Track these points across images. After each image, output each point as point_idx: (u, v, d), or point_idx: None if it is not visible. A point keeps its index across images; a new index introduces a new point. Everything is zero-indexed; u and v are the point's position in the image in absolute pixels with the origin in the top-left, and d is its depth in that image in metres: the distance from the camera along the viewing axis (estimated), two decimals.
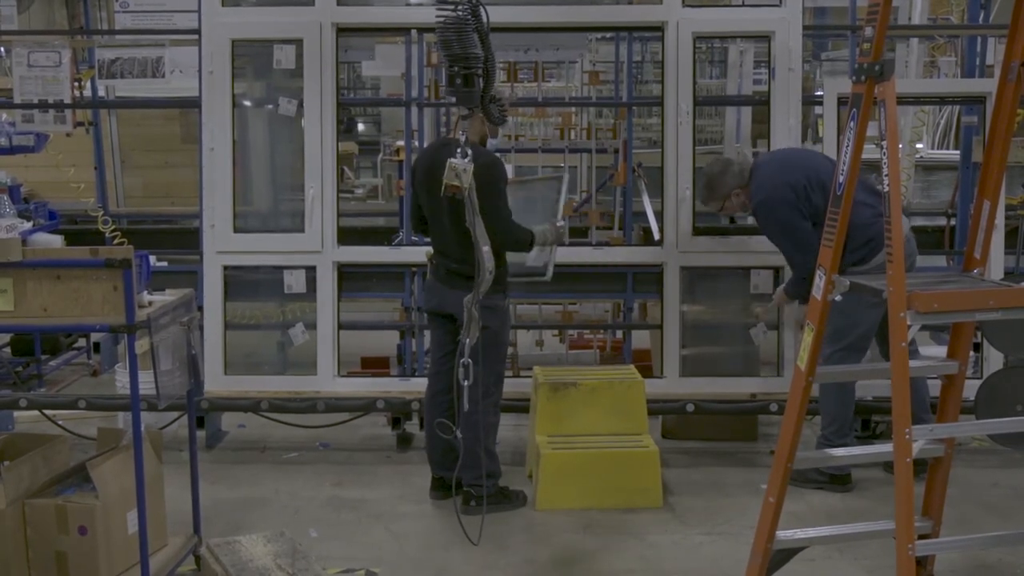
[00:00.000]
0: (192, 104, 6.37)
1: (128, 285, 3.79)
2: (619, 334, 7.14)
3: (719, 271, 5.96)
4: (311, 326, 5.97)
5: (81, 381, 7.41)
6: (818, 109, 8.22)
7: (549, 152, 7.70)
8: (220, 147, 5.89)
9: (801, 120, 6.00)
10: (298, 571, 4.13)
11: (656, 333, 6.19)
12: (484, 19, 4.34)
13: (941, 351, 4.57)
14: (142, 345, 3.87)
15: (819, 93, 7.43)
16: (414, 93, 6.26)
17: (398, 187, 7.22)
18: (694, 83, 5.87)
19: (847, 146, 3.54)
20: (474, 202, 4.46)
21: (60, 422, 6.08)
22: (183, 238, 7.65)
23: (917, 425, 3.47)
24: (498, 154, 5.76)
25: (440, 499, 5.24)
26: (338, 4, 5.85)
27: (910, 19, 9.39)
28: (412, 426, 6.11)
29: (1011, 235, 6.70)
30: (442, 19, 4.29)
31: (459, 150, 4.43)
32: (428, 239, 5.46)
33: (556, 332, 7.48)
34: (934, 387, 5.15)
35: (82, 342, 7.92)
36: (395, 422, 6.11)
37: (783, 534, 3.76)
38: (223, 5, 5.88)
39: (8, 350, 7.41)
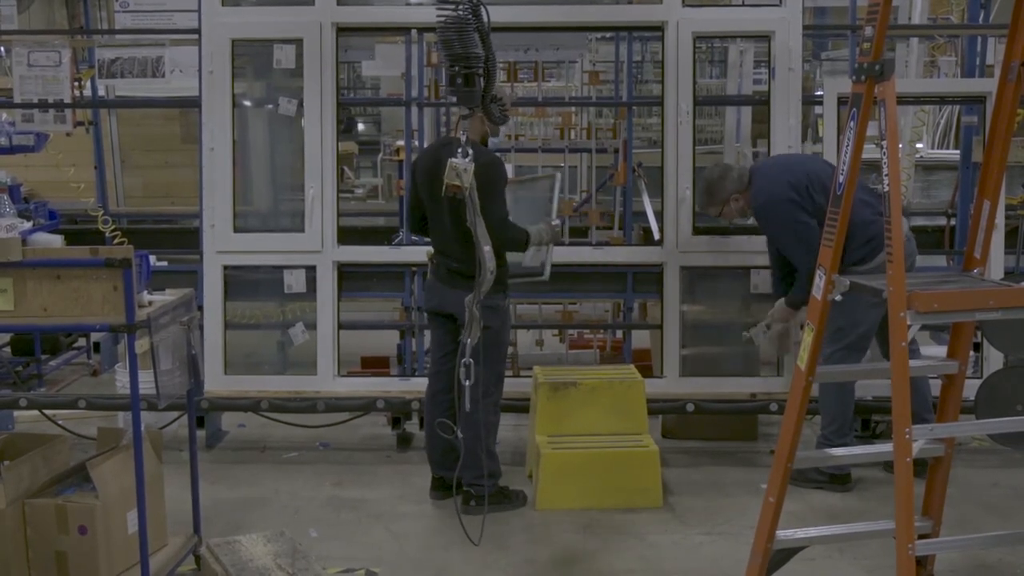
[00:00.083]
0: (192, 104, 6.37)
1: (128, 285, 3.79)
2: (619, 334, 7.14)
3: (719, 271, 5.96)
4: (311, 326, 5.97)
5: (81, 381, 7.41)
6: (818, 109, 8.23)
7: (549, 152, 7.70)
8: (220, 147, 5.89)
9: (801, 120, 6.00)
10: (298, 571, 4.13)
11: (656, 333, 6.20)
12: (485, 19, 4.34)
13: (941, 351, 4.57)
14: (142, 345, 3.87)
15: (819, 93, 7.44)
16: (414, 93, 6.26)
17: (398, 187, 7.22)
18: (694, 83, 5.87)
19: (847, 146, 3.54)
20: (475, 202, 4.45)
21: (60, 422, 6.08)
22: (183, 238, 7.65)
23: (917, 425, 3.46)
24: (498, 154, 5.76)
25: (440, 499, 5.24)
26: (338, 4, 5.85)
27: (910, 19, 9.39)
28: (412, 426, 6.11)
29: (1011, 235, 6.70)
30: (443, 19, 4.29)
31: (460, 150, 4.43)
32: (425, 238, 5.47)
33: (556, 332, 7.48)
34: (935, 387, 5.14)
35: (82, 342, 7.92)
36: (395, 422, 6.11)
37: (783, 534, 3.76)
38: (223, 5, 5.88)
39: (8, 350, 7.41)
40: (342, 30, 5.91)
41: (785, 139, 5.85)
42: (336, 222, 5.93)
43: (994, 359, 5.73)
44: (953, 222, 6.91)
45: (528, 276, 5.40)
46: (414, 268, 6.02)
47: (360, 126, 18.54)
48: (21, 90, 6.28)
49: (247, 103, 6.34)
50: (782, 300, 5.40)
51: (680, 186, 5.85)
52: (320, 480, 5.58)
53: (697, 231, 5.89)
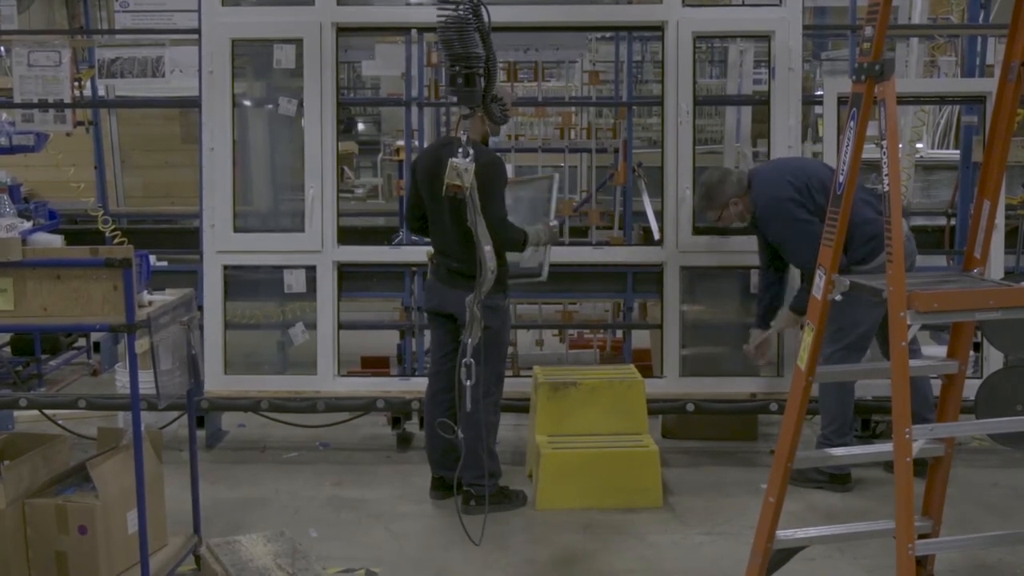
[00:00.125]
0: (192, 104, 6.37)
1: (128, 285, 3.79)
2: (619, 334, 7.14)
3: (719, 271, 5.97)
4: (311, 326, 5.97)
5: (81, 381, 7.41)
6: (818, 109, 8.22)
7: (549, 152, 7.70)
8: (220, 147, 5.89)
9: (801, 120, 6.00)
10: (298, 571, 4.13)
11: (656, 333, 6.19)
12: (485, 18, 4.34)
13: (941, 351, 4.57)
14: (142, 345, 3.87)
15: (819, 93, 7.44)
16: (414, 93, 6.27)
17: (398, 187, 7.22)
18: (694, 83, 5.87)
19: (847, 146, 3.54)
20: (476, 202, 4.45)
21: (60, 422, 6.08)
22: (183, 238, 7.65)
23: (918, 425, 3.46)
24: (498, 154, 5.76)
25: (440, 499, 5.24)
26: (338, 4, 5.85)
27: (910, 19, 9.39)
28: (412, 426, 6.11)
29: (1011, 235, 6.70)
30: (443, 18, 4.29)
31: (461, 149, 4.42)
32: (424, 237, 5.48)
33: (556, 332, 7.48)
34: (935, 387, 5.14)
35: (82, 342, 7.92)
36: (395, 422, 6.11)
37: (783, 534, 3.76)
38: (223, 5, 5.88)
39: (8, 350, 7.41)
40: (342, 30, 5.91)
41: (785, 139, 5.85)
42: (336, 222, 5.93)
43: (994, 359, 5.73)
44: (953, 222, 6.91)
45: (526, 277, 5.40)
46: (414, 268, 6.02)
47: (360, 126, 18.54)
48: (21, 90, 6.28)
49: (247, 103, 6.34)
50: (786, 307, 5.38)
51: (680, 186, 5.85)
52: (320, 480, 5.58)
53: (697, 231, 5.89)
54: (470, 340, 4.49)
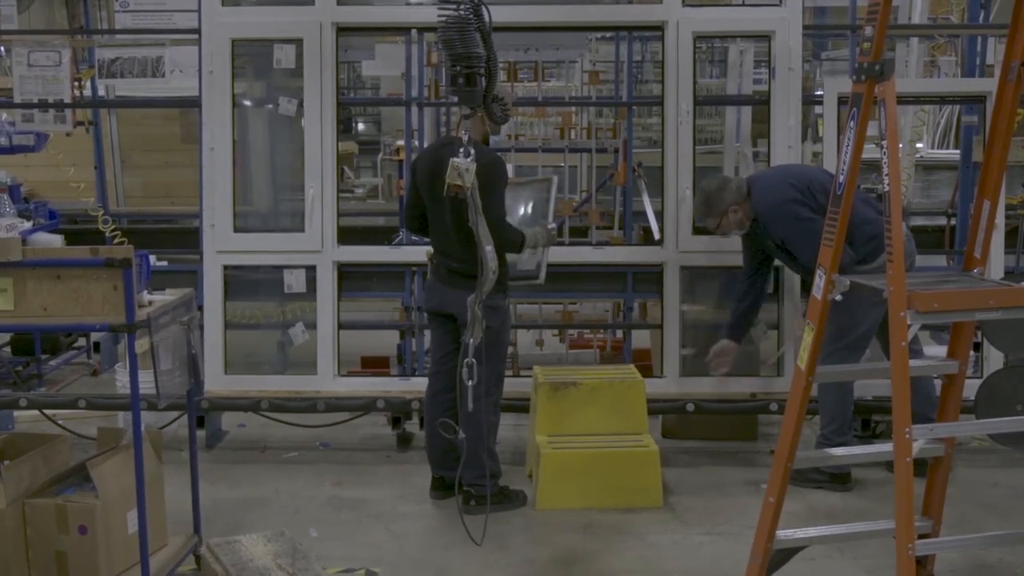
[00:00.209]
0: (192, 104, 6.37)
1: (128, 285, 3.79)
2: (619, 334, 7.14)
3: (719, 271, 5.96)
4: (311, 326, 5.97)
5: (81, 381, 7.41)
6: (818, 109, 8.22)
7: (549, 152, 7.70)
8: (220, 147, 5.89)
9: (801, 120, 6.00)
10: (298, 571, 4.13)
11: (656, 333, 6.19)
12: (486, 18, 4.34)
13: (941, 351, 4.57)
14: (142, 345, 3.87)
15: (819, 93, 7.43)
16: (414, 93, 6.27)
17: (398, 187, 7.22)
18: (694, 83, 5.87)
19: (847, 146, 3.54)
20: (477, 202, 4.45)
21: (60, 422, 6.08)
22: (183, 238, 7.65)
23: (917, 424, 3.47)
24: (498, 154, 5.76)
25: (440, 499, 5.24)
26: (338, 4, 5.85)
27: (910, 19, 9.39)
28: (412, 426, 6.11)
29: (1011, 235, 6.70)
30: (444, 18, 4.29)
31: (462, 149, 4.42)
32: (422, 237, 5.48)
33: (556, 332, 7.48)
34: (936, 387, 5.15)
35: (82, 342, 7.92)
36: (395, 422, 6.11)
37: (783, 534, 3.76)
38: (223, 5, 5.88)
39: (8, 350, 7.41)
40: (342, 30, 5.91)
41: (785, 139, 5.85)
42: (336, 222, 5.93)
43: (994, 359, 5.73)
44: (953, 222, 6.91)
45: (523, 279, 5.40)
46: (414, 268, 6.02)
47: (360, 126, 18.55)
48: (21, 90, 6.28)
49: (247, 103, 6.34)
50: (802, 317, 5.29)
51: (680, 186, 5.85)
52: (320, 480, 5.58)
53: (697, 231, 5.88)
54: (471, 340, 4.49)
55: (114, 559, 3.98)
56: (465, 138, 4.45)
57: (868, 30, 3.44)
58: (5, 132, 6.67)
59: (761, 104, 6.47)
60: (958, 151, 7.00)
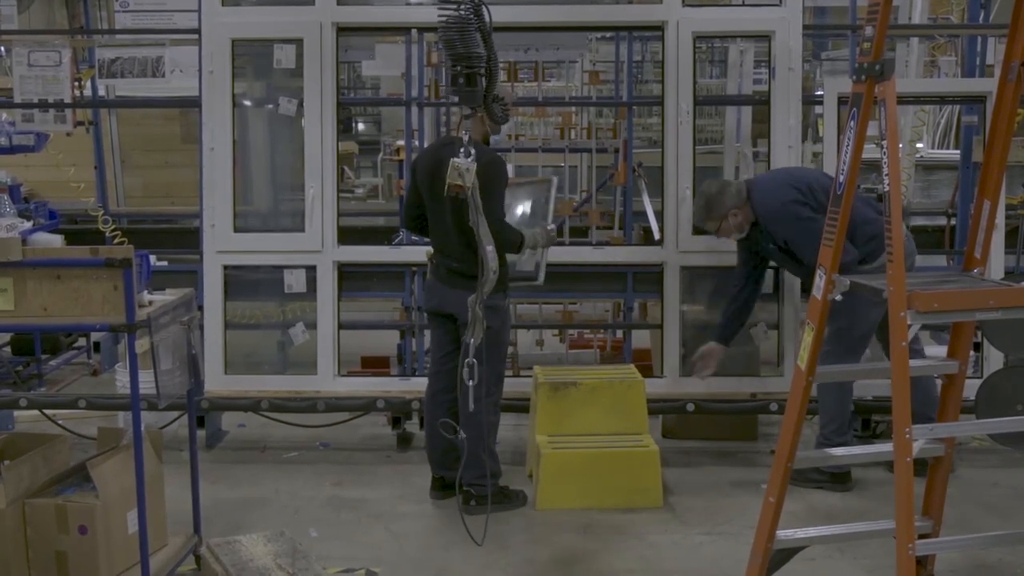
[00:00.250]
0: (192, 104, 6.37)
1: (128, 284, 3.79)
2: (619, 334, 7.14)
3: (719, 271, 5.96)
4: (311, 326, 5.97)
5: (81, 381, 7.41)
6: (818, 109, 8.22)
7: (549, 152, 7.70)
8: (220, 147, 5.89)
9: (801, 120, 6.00)
10: (298, 571, 4.13)
11: (656, 333, 6.20)
12: (487, 18, 4.34)
13: (941, 351, 4.57)
14: (142, 345, 3.87)
15: (819, 93, 7.44)
16: (414, 93, 6.27)
17: (398, 187, 7.22)
18: (694, 83, 5.87)
19: (847, 146, 3.54)
20: (477, 202, 4.45)
21: (60, 422, 6.08)
22: (183, 238, 7.65)
23: (918, 424, 3.47)
24: (499, 154, 5.76)
25: (440, 499, 5.24)
26: (338, 4, 5.85)
27: (910, 19, 9.39)
28: (412, 426, 6.11)
29: (1011, 235, 6.70)
30: (445, 18, 4.29)
31: (462, 149, 4.42)
32: (421, 237, 5.48)
33: (556, 332, 7.48)
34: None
35: (82, 342, 7.92)
36: (395, 422, 6.11)
37: (783, 534, 3.76)
38: (223, 5, 5.88)
39: (8, 350, 7.41)
40: (342, 30, 5.91)
41: (785, 139, 5.85)
42: (336, 222, 5.93)
43: (994, 359, 5.73)
44: (953, 222, 6.91)
45: (522, 280, 5.40)
46: (414, 268, 6.02)
47: (360, 126, 18.55)
48: (21, 90, 6.28)
49: (247, 103, 6.34)
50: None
51: (680, 186, 5.85)
52: (320, 480, 5.58)
53: (697, 231, 5.88)
54: (472, 340, 4.49)
55: (114, 559, 3.98)
56: (466, 138, 4.45)
57: (868, 30, 3.44)
58: (5, 132, 6.67)
59: (761, 104, 6.47)
60: (958, 151, 7.00)
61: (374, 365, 6.97)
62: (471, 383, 4.47)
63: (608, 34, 8.34)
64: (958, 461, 5.56)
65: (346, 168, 12.90)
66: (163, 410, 5.10)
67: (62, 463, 4.20)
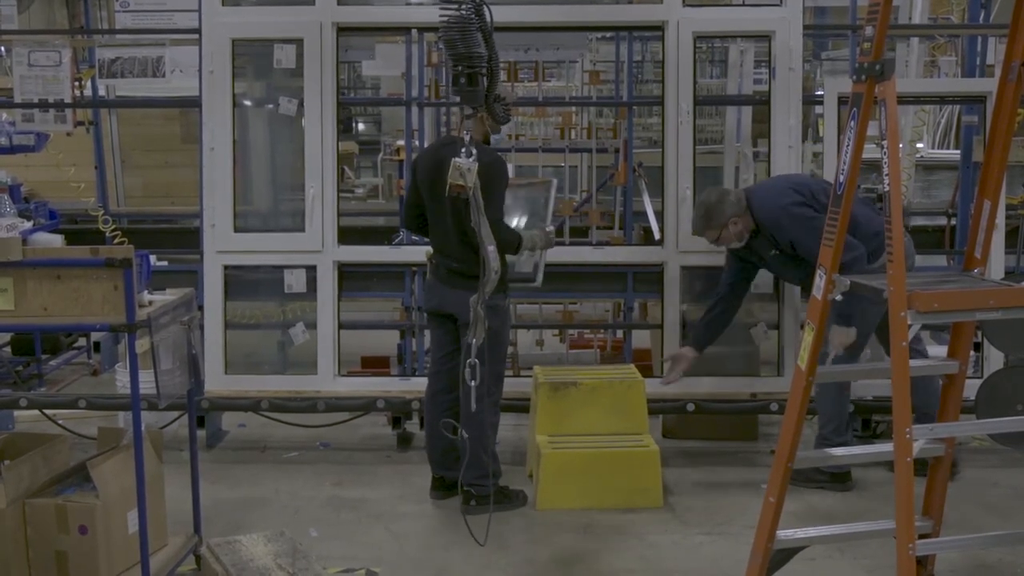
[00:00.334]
0: (192, 104, 6.37)
1: (128, 284, 3.79)
2: (619, 334, 7.14)
3: (719, 271, 5.94)
4: (311, 326, 5.97)
5: (81, 381, 7.41)
6: (818, 109, 8.22)
7: (549, 152, 7.70)
8: (220, 147, 5.89)
9: (801, 120, 6.00)
10: (298, 571, 4.13)
11: (656, 333, 6.20)
12: (488, 18, 4.34)
13: (942, 351, 4.57)
14: (142, 344, 3.87)
15: (819, 93, 7.44)
16: (414, 93, 6.27)
17: (398, 187, 7.22)
18: (694, 83, 5.87)
19: (847, 146, 3.54)
20: (479, 202, 4.45)
21: (60, 422, 6.08)
22: (183, 238, 7.65)
23: (918, 424, 3.47)
24: (499, 154, 5.76)
25: (440, 499, 5.24)
26: (338, 4, 5.85)
27: (910, 19, 9.39)
28: (412, 426, 6.11)
29: (1011, 235, 6.70)
30: (446, 18, 4.28)
31: (464, 149, 4.42)
32: (421, 237, 5.47)
33: (556, 332, 7.48)
34: None
35: (82, 341, 7.92)
36: (395, 422, 6.11)
37: (783, 534, 3.76)
38: (223, 5, 5.88)
39: (8, 349, 7.41)
40: (342, 30, 5.91)
41: (785, 139, 5.85)
42: (336, 222, 5.93)
43: (994, 359, 5.73)
44: (953, 222, 6.91)
45: (520, 281, 5.39)
46: (414, 268, 6.02)
47: (360, 126, 18.55)
48: (21, 90, 6.28)
49: (247, 103, 6.34)
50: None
51: (680, 186, 5.85)
52: (320, 480, 5.58)
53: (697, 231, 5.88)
54: (474, 340, 4.48)
55: (114, 559, 3.98)
56: (467, 138, 4.45)
57: (868, 30, 3.44)
58: (5, 132, 6.67)
59: (761, 104, 6.47)
60: (958, 151, 7.00)
61: (374, 365, 6.97)
62: (473, 383, 4.46)
63: (608, 34, 8.35)
64: (958, 461, 5.56)
65: (346, 168, 12.89)
66: (163, 410, 5.10)
67: (62, 463, 4.20)
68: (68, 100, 6.33)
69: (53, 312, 3.84)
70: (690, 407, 5.77)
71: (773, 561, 3.76)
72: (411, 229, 5.50)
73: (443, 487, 5.22)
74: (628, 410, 5.43)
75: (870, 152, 3.73)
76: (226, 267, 5.95)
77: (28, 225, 4.83)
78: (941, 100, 7.99)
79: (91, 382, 7.37)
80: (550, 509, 5.13)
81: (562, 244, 6.18)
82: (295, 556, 4.23)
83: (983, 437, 5.68)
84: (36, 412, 6.18)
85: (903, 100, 6.54)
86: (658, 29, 5.93)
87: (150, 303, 4.02)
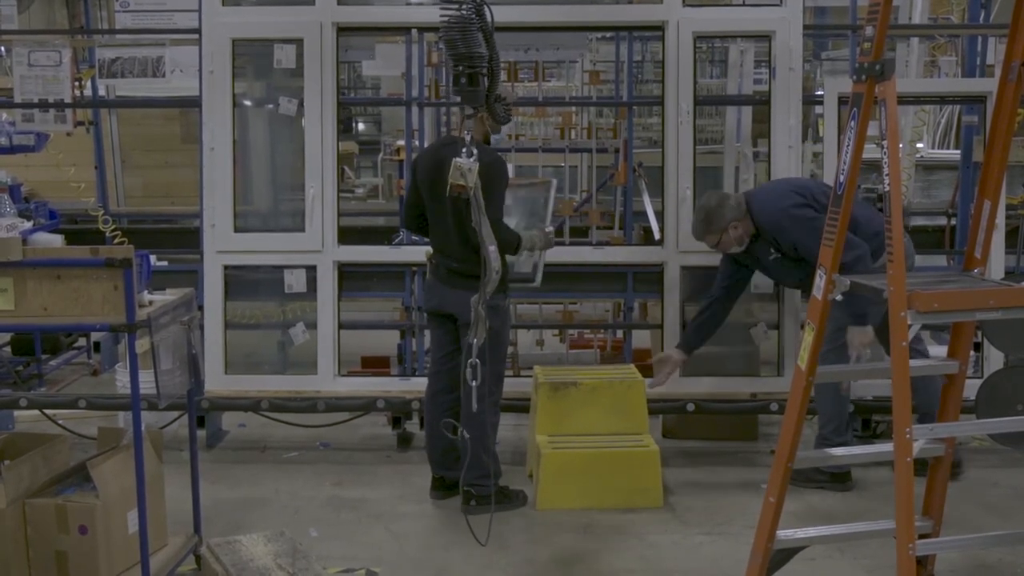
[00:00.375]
0: (192, 104, 6.38)
1: (128, 284, 3.79)
2: (619, 334, 7.14)
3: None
4: (311, 326, 5.97)
5: (81, 381, 7.41)
6: (818, 109, 8.22)
7: (549, 152, 7.70)
8: (220, 147, 5.89)
9: (801, 120, 6.00)
10: (298, 571, 4.13)
11: (656, 333, 6.19)
12: (488, 18, 4.34)
13: (942, 351, 4.57)
14: (142, 344, 3.87)
15: (819, 93, 7.43)
16: (414, 93, 6.27)
17: (398, 187, 7.22)
18: (694, 83, 5.88)
19: (847, 146, 3.54)
20: (480, 202, 4.45)
21: (60, 422, 6.08)
22: (183, 238, 7.65)
23: (917, 424, 3.47)
24: (500, 154, 5.76)
25: (440, 499, 5.24)
26: (338, 4, 5.85)
27: (910, 19, 9.39)
28: (412, 426, 6.11)
29: (1011, 235, 6.70)
30: (447, 18, 4.28)
31: (464, 149, 4.42)
32: (421, 237, 5.47)
33: (556, 332, 7.48)
34: None
35: (82, 341, 7.92)
36: (395, 422, 6.11)
37: (783, 534, 3.76)
38: (223, 4, 5.88)
39: (8, 349, 7.41)
40: (342, 30, 5.91)
41: (785, 139, 5.85)
42: (336, 222, 5.93)
43: (994, 359, 5.73)
44: (953, 222, 6.91)
45: (519, 281, 5.39)
46: (414, 268, 6.02)
47: (360, 126, 18.55)
48: (21, 90, 6.28)
49: (247, 103, 6.34)
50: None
51: (680, 186, 5.85)
52: (320, 480, 5.58)
53: None
54: (475, 340, 4.48)
55: (114, 559, 3.98)
56: (467, 138, 4.45)
57: (868, 30, 3.44)
58: (5, 132, 6.67)
59: (761, 104, 6.47)
60: (958, 151, 7.00)
61: (374, 365, 6.97)
62: (474, 383, 4.46)
63: (608, 34, 8.34)
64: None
65: (346, 168, 12.90)
66: (163, 410, 5.10)
67: (62, 463, 4.20)
68: (68, 100, 6.33)
69: (53, 312, 3.84)
70: (690, 407, 5.78)
71: (773, 561, 3.76)
72: (411, 229, 5.50)
73: (443, 487, 5.22)
74: (628, 410, 5.43)
75: (870, 152, 3.73)
76: (226, 267, 5.95)
77: (28, 225, 4.83)
78: (941, 100, 7.99)
79: (91, 382, 7.37)
80: (550, 509, 5.13)
81: (562, 244, 6.19)
82: (295, 556, 4.23)
83: (983, 437, 5.68)
84: (36, 412, 6.18)
85: (903, 100, 6.54)
86: (658, 29, 5.93)
87: (150, 303, 4.02)
